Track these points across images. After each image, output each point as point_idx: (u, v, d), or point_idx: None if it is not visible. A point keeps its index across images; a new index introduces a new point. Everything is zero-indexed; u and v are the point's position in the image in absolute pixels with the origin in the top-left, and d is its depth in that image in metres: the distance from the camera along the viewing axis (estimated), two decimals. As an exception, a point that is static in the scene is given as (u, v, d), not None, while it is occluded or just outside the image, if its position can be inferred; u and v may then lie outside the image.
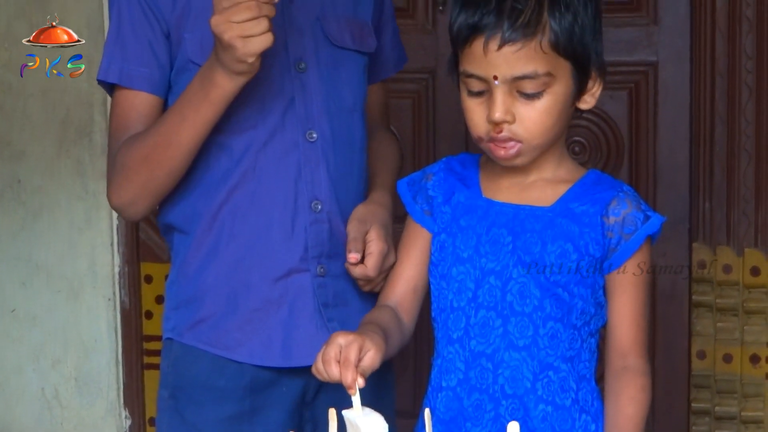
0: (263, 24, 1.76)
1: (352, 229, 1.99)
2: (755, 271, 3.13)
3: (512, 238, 1.81)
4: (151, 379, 3.37)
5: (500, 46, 1.73)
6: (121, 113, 1.97)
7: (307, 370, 1.90)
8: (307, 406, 2.02)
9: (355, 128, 2.04)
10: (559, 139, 1.83)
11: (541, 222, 1.81)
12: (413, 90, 3.27)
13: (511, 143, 1.78)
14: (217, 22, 1.76)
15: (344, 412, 1.63)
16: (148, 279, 3.38)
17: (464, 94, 1.80)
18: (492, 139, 1.79)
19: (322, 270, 1.98)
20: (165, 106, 1.97)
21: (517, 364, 1.80)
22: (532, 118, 1.77)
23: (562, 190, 1.84)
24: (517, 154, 1.79)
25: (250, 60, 1.78)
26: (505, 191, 1.85)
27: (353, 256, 1.95)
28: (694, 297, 3.17)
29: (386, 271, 1.97)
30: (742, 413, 3.16)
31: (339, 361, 1.66)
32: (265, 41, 1.77)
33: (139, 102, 1.96)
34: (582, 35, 1.77)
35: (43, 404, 3.43)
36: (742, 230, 3.12)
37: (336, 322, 1.98)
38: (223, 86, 1.83)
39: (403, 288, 1.92)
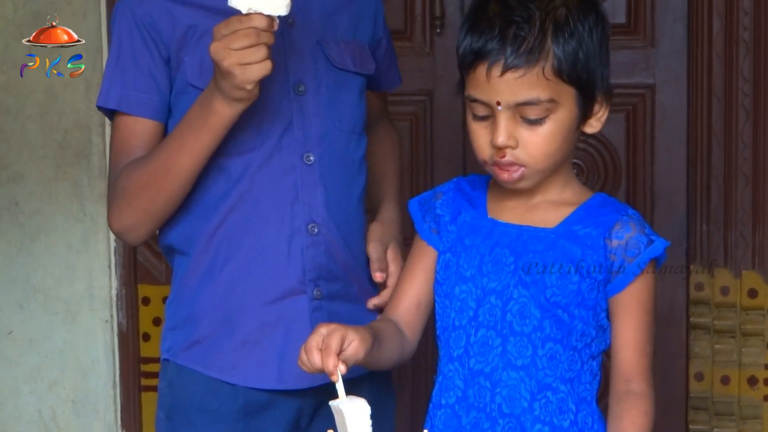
0: (262, 51, 1.77)
1: (374, 249, 2.04)
2: (752, 293, 3.13)
3: (514, 258, 1.81)
4: (149, 401, 3.35)
5: (503, 73, 1.74)
6: (122, 138, 1.97)
7: (301, 393, 1.91)
8: (302, 432, 2.02)
9: (353, 150, 2.04)
10: (564, 162, 1.84)
11: (544, 243, 1.81)
12: (411, 112, 3.27)
13: (515, 167, 1.79)
14: (216, 49, 1.77)
15: (330, 402, 1.65)
16: (146, 301, 3.37)
17: (470, 118, 1.81)
18: (496, 163, 1.79)
19: (318, 293, 1.98)
20: (166, 131, 1.98)
21: (515, 383, 1.80)
22: (535, 144, 1.77)
23: (566, 212, 1.84)
24: (521, 178, 1.80)
25: (249, 87, 1.79)
26: (510, 212, 1.86)
27: (380, 276, 2.02)
28: (691, 319, 3.17)
29: None
30: (740, 435, 3.17)
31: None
32: (263, 69, 1.78)
33: (140, 127, 1.96)
34: (587, 61, 1.77)
35: (40, 426, 3.41)
36: (739, 252, 3.12)
37: (331, 346, 1.98)
38: (222, 113, 1.84)
39: (407, 303, 1.92)
